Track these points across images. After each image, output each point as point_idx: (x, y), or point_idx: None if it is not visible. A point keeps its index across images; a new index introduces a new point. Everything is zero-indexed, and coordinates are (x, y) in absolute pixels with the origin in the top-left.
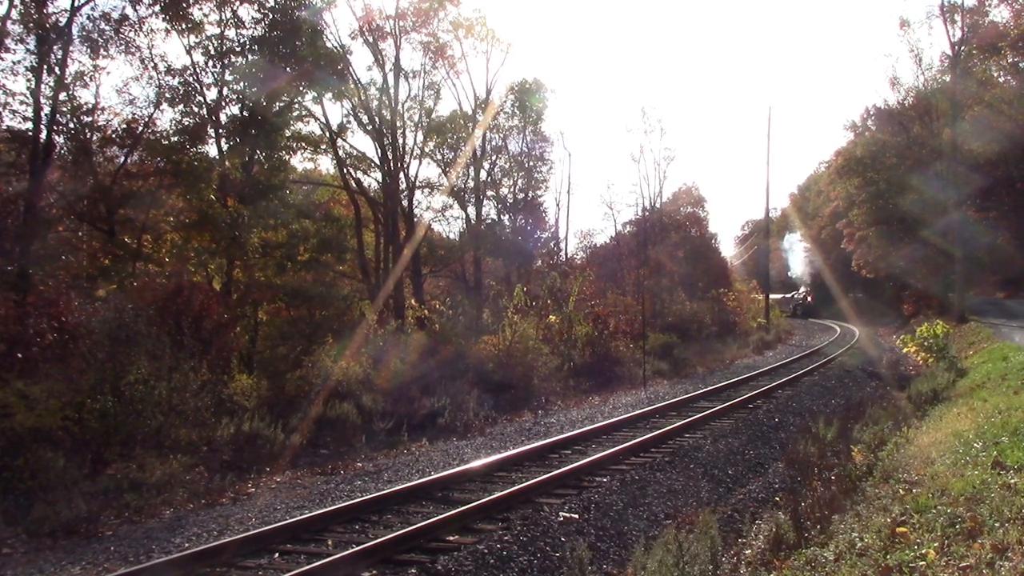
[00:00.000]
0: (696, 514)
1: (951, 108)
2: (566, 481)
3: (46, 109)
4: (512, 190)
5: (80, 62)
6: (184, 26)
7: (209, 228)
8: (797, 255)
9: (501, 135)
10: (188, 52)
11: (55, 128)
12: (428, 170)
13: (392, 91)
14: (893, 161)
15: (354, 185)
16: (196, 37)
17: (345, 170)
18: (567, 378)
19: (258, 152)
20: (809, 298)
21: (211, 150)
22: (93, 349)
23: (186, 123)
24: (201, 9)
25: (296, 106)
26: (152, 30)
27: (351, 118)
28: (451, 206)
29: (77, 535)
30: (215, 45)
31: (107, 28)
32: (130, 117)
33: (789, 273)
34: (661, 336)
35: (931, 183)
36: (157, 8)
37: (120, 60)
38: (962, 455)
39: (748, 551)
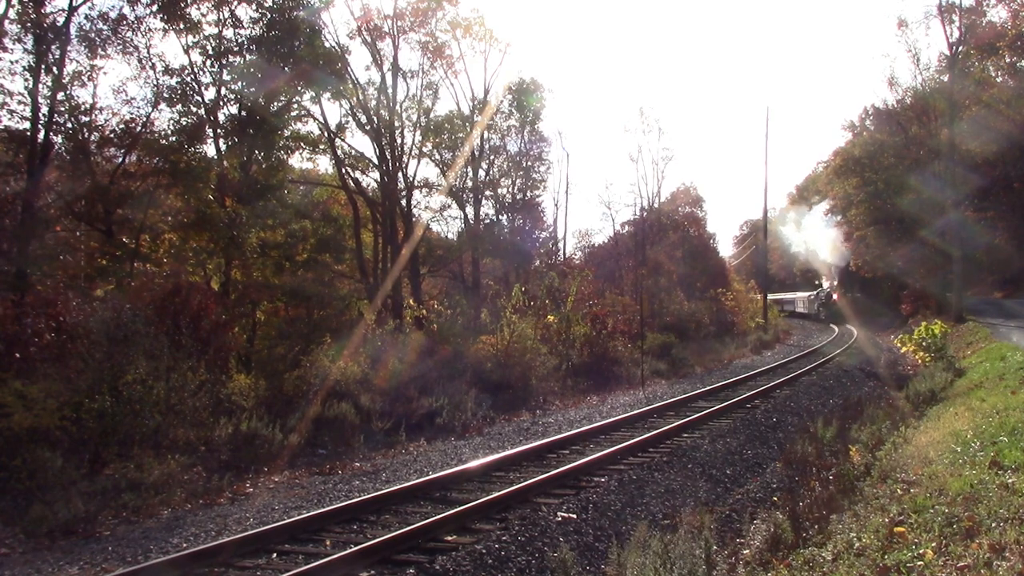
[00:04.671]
0: (694, 514)
1: (949, 108)
2: (564, 481)
3: (44, 109)
4: (510, 190)
5: (78, 62)
6: (182, 26)
7: (207, 228)
8: (822, 238)
9: (499, 135)
10: (186, 52)
11: (53, 128)
12: (426, 170)
13: (390, 91)
14: (891, 161)
15: (352, 185)
16: (194, 37)
17: (343, 170)
18: (565, 378)
19: (256, 152)
20: (834, 295)
21: (209, 150)
22: (91, 349)
23: (184, 123)
24: (199, 9)
25: (294, 106)
26: (150, 30)
27: (349, 118)
28: (449, 206)
29: (75, 535)
30: (213, 45)
31: (105, 28)
32: (128, 117)
33: (797, 253)
34: (659, 336)
35: (929, 183)
36: (155, 8)
37: (118, 60)
38: (960, 455)
39: (746, 551)
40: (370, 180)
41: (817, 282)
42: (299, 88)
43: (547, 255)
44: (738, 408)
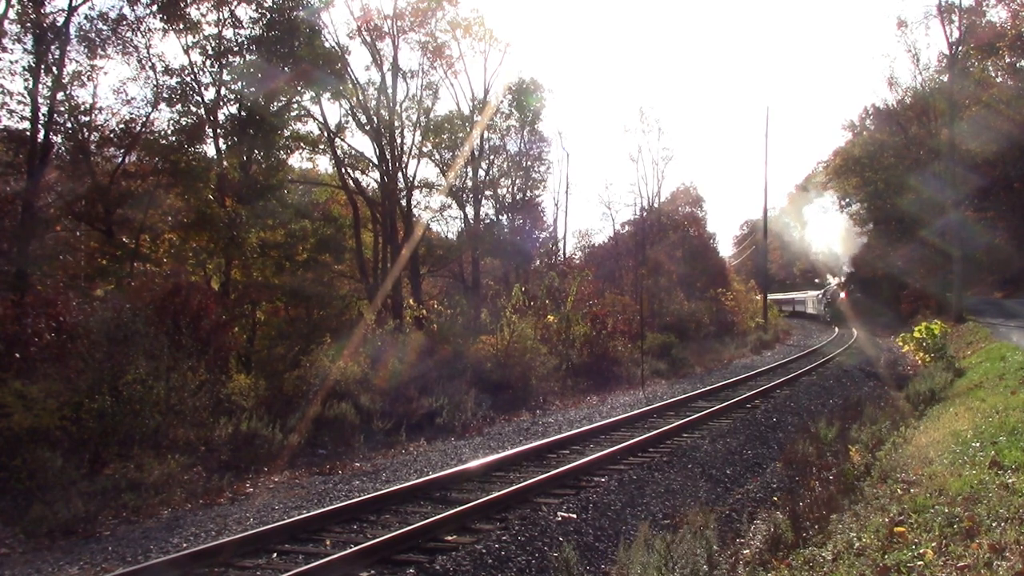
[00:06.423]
0: (695, 514)
1: (949, 108)
2: (564, 481)
3: (44, 109)
4: (510, 190)
5: (77, 62)
6: (182, 26)
7: (207, 228)
8: (829, 232)
9: (499, 135)
10: (186, 52)
11: (53, 128)
12: (426, 170)
13: (390, 91)
14: (891, 161)
15: (352, 185)
16: (194, 37)
17: (343, 170)
18: (565, 378)
19: (256, 152)
20: (843, 294)
21: (209, 150)
22: (91, 349)
23: (184, 123)
24: (198, 9)
25: (294, 106)
26: (149, 30)
27: (349, 118)
28: (449, 206)
29: (75, 535)
30: (213, 45)
31: (104, 28)
32: (128, 117)
33: (800, 249)
34: (659, 336)
35: (929, 183)
36: (154, 8)
37: (117, 60)
38: (960, 455)
39: (746, 551)
40: (370, 180)
41: (819, 280)
42: (299, 88)
43: (547, 255)
44: (738, 408)
